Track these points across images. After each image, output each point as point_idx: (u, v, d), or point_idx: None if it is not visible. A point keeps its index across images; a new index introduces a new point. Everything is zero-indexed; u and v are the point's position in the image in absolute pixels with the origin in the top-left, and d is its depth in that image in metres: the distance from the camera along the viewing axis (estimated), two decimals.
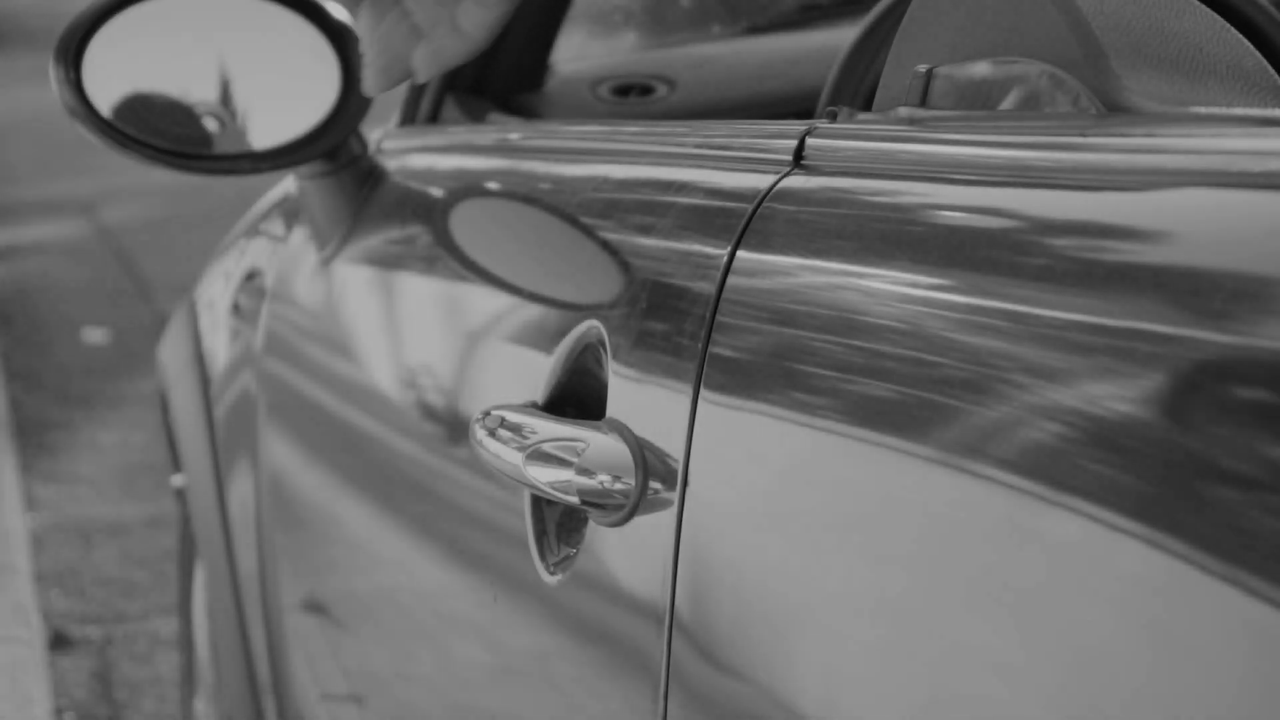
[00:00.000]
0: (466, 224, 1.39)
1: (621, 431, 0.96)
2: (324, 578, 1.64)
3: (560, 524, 1.06)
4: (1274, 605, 0.53)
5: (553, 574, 1.05)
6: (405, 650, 1.39)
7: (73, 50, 1.54)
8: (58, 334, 6.25)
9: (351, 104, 1.64)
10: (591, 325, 1.04)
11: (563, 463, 0.98)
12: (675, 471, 0.90)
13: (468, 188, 1.46)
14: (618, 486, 0.95)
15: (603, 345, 1.02)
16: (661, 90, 2.02)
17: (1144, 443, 0.59)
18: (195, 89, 1.62)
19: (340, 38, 1.64)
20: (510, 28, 1.80)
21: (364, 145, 1.70)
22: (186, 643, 2.55)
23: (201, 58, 1.61)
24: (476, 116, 1.72)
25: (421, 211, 1.50)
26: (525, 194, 1.30)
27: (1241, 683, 0.54)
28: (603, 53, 2.33)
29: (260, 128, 1.65)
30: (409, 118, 1.79)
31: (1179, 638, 0.56)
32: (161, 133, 1.59)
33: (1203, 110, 0.76)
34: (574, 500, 0.96)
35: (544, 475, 0.99)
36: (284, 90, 1.66)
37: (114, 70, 1.56)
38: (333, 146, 1.65)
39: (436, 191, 1.52)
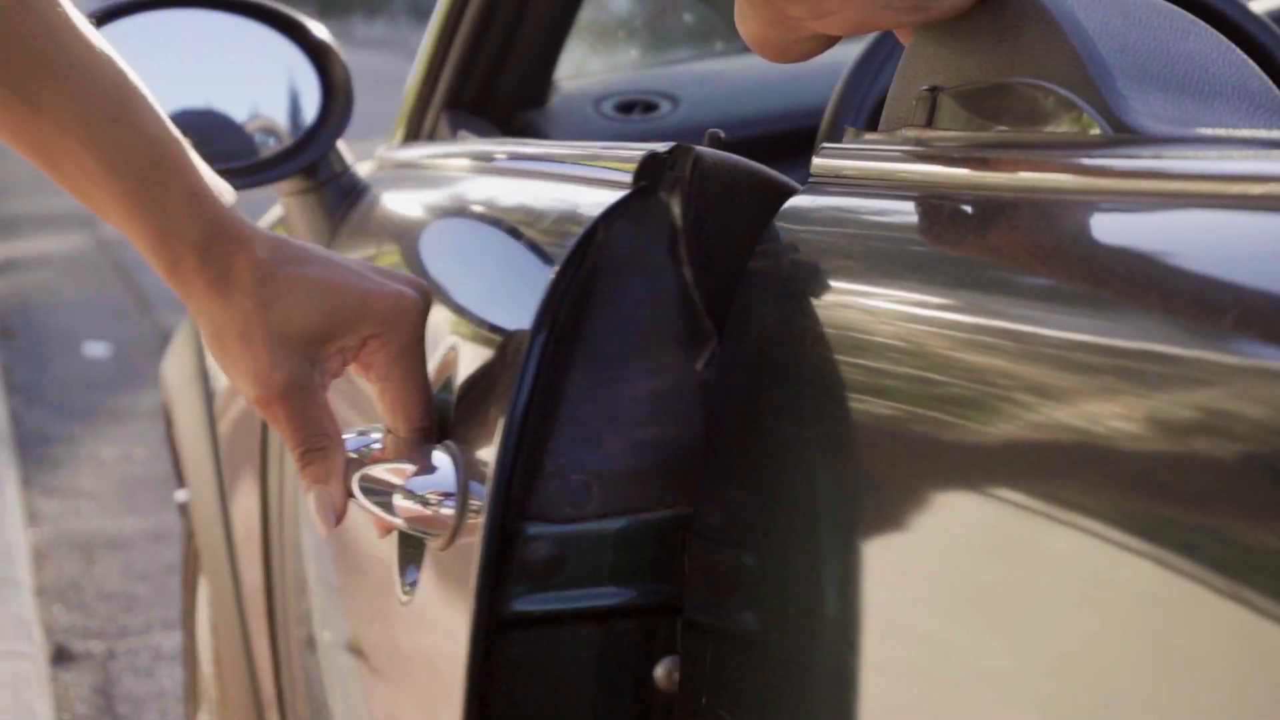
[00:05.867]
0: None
1: (454, 454, 0.95)
2: (328, 593, 1.64)
3: (409, 546, 1.07)
4: (1277, 624, 0.53)
5: (406, 595, 1.06)
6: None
7: None
8: (59, 348, 6.25)
9: (329, 122, 1.65)
10: None
11: (393, 486, 0.97)
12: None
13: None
14: (442, 511, 0.93)
15: None
16: (665, 107, 2.02)
17: (1149, 464, 0.59)
18: (175, 106, 1.62)
19: (320, 56, 1.64)
20: (513, 45, 1.81)
21: (344, 162, 1.71)
22: (189, 657, 2.55)
23: (181, 75, 1.61)
24: (479, 134, 1.72)
25: (409, 230, 1.50)
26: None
27: (1244, 699, 0.54)
28: (605, 69, 2.34)
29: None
30: (412, 134, 1.80)
31: (1187, 656, 0.56)
32: None
33: (1209, 132, 0.76)
34: (400, 523, 0.96)
35: (375, 500, 0.97)
36: (264, 107, 1.66)
37: None
38: (310, 163, 1.66)
39: (427, 210, 1.52)
